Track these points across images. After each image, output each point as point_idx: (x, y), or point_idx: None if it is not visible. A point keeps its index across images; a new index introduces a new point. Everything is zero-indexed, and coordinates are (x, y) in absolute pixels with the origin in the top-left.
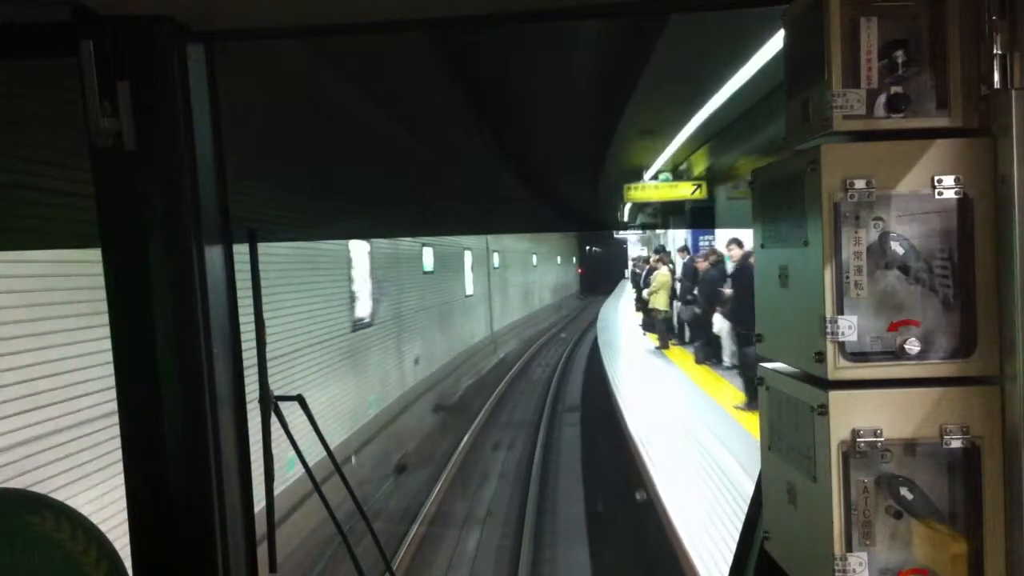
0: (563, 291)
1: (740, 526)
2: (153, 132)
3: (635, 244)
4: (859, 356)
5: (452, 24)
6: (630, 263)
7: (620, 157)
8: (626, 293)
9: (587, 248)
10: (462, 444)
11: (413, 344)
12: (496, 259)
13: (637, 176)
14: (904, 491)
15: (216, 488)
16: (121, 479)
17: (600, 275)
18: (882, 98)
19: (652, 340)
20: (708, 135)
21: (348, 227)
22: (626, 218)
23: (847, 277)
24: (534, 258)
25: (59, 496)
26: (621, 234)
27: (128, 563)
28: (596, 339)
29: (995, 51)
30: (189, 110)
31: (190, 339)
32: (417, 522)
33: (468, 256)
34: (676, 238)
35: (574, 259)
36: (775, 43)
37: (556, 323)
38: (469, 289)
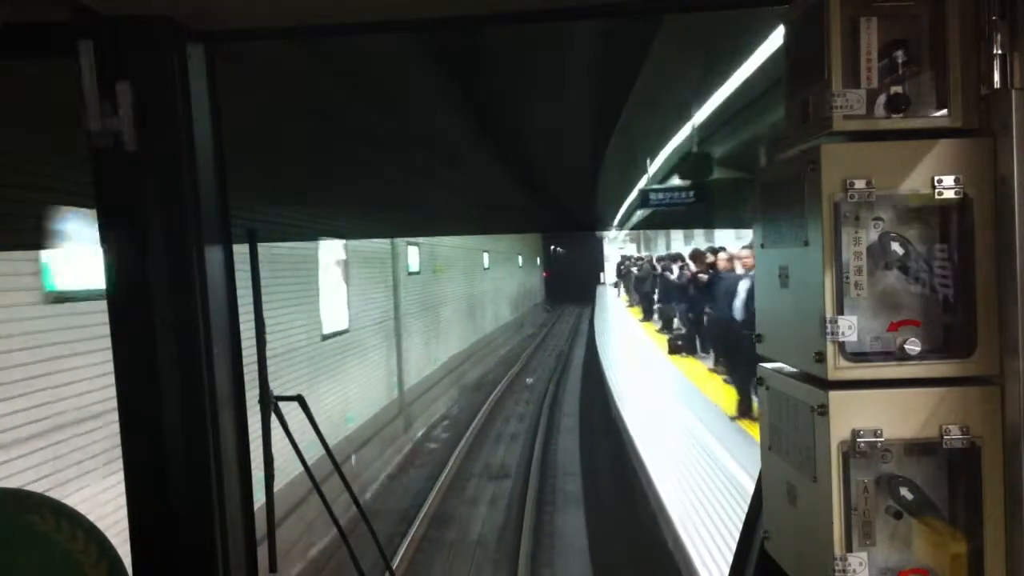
0: (526, 301)
1: None
2: (153, 132)
3: (614, 242)
4: (859, 356)
5: (451, 24)
6: (607, 265)
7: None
8: (610, 302)
9: (552, 248)
10: None
11: None
12: (414, 259)
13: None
14: (904, 491)
15: (216, 488)
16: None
17: (570, 280)
18: (882, 98)
19: None
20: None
21: (348, 227)
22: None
23: (847, 277)
24: (485, 258)
25: None
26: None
27: (128, 563)
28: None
29: (995, 51)
30: (189, 110)
31: (190, 339)
32: None
33: (325, 252)
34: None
35: (538, 260)
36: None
37: (518, 353)
38: (333, 322)
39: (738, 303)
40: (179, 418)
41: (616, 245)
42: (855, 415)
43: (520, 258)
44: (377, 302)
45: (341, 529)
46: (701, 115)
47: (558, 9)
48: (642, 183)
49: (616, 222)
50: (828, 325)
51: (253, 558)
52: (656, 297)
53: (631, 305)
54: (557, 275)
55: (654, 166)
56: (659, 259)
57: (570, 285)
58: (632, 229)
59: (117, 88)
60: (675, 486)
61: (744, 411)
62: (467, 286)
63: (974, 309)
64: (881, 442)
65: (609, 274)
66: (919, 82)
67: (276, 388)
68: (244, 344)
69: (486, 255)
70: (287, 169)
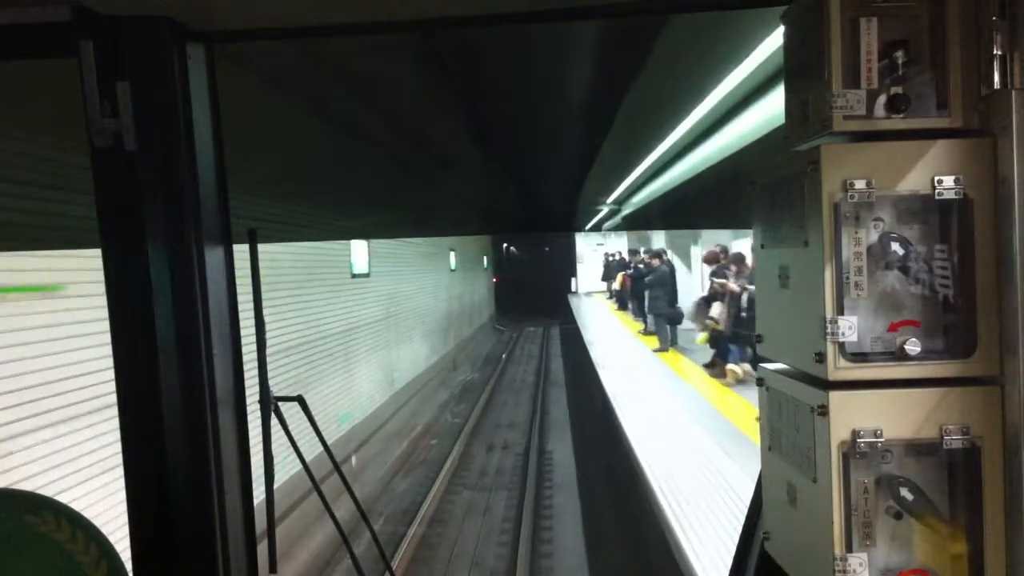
0: (466, 325)
1: None
2: (153, 132)
3: (589, 236)
4: (859, 356)
5: (451, 24)
6: (582, 267)
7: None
8: (600, 325)
9: (505, 247)
10: None
11: None
12: None
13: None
14: (904, 491)
15: (216, 489)
16: None
17: (531, 287)
18: (882, 98)
19: None
20: None
21: (348, 227)
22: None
23: (847, 277)
24: (357, 255)
25: None
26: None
27: (128, 563)
28: None
29: (995, 51)
30: (189, 110)
31: (190, 340)
32: None
33: None
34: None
35: (485, 260)
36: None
37: (426, 482)
38: None
39: None
40: (179, 418)
41: (594, 241)
42: (855, 415)
43: (453, 256)
44: None
45: (341, 528)
46: (700, 112)
47: (558, 9)
48: (631, 178)
49: (595, 221)
50: (828, 325)
51: (253, 559)
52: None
53: (663, 347)
54: (512, 280)
55: (641, 167)
56: None
57: (531, 294)
58: (614, 229)
59: (117, 88)
60: None
61: None
62: (295, 321)
63: (974, 309)
64: (881, 442)
65: (586, 279)
66: (919, 82)
67: None
68: (244, 344)
69: (360, 249)
70: (287, 169)
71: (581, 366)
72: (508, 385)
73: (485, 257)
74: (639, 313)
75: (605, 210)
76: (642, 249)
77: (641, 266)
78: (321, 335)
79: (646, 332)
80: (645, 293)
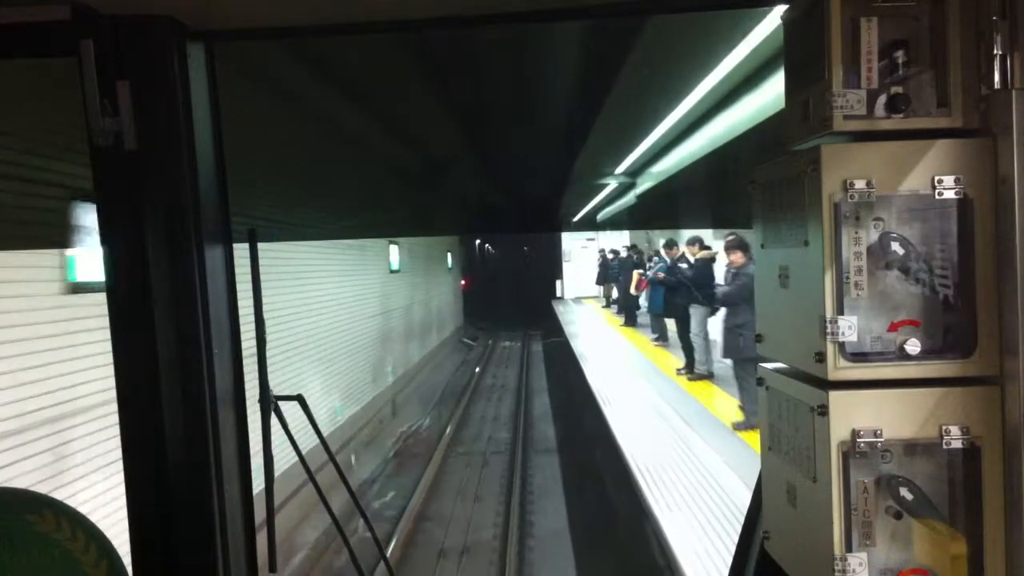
0: (418, 343)
1: None
2: (153, 132)
3: (575, 233)
4: (859, 356)
5: (451, 24)
6: (569, 266)
7: None
8: (589, 344)
9: (478, 245)
10: None
11: None
12: None
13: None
14: (904, 491)
15: (216, 488)
16: None
17: (507, 291)
18: (882, 98)
19: None
20: None
21: (347, 227)
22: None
23: (847, 277)
24: None
25: None
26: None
27: (128, 563)
28: None
29: (995, 51)
30: (189, 110)
31: (190, 339)
32: None
33: None
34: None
35: (449, 257)
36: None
37: None
38: None
39: None
40: (179, 418)
41: (583, 236)
42: (855, 415)
43: (396, 252)
44: None
45: (339, 525)
46: (687, 105)
47: (555, 9)
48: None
49: (580, 217)
50: (828, 325)
51: (253, 557)
52: None
53: (752, 420)
54: (485, 284)
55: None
56: None
57: (507, 300)
58: (599, 229)
59: (117, 87)
60: None
61: None
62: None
63: (974, 309)
64: (881, 442)
65: (573, 280)
66: (919, 82)
67: None
68: (244, 344)
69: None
70: (287, 169)
71: (594, 466)
72: (467, 452)
73: (449, 255)
74: (664, 336)
75: (611, 182)
76: (683, 241)
77: (684, 265)
78: (63, 413)
79: (692, 375)
80: (690, 310)
